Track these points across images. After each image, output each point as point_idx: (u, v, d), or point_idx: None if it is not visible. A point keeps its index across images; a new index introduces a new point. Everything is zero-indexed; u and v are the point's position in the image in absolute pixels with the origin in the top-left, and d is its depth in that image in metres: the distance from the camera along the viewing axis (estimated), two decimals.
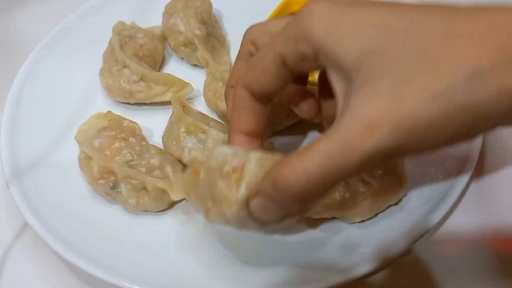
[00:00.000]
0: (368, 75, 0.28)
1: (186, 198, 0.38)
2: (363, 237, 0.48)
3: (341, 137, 0.28)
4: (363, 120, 0.27)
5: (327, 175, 0.28)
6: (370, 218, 0.49)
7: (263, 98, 0.37)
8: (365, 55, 0.28)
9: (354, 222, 0.49)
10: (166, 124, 0.57)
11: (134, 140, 0.53)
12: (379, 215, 0.49)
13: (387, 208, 0.50)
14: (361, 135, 0.27)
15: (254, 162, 0.33)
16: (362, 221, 0.49)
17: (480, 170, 0.54)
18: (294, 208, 0.32)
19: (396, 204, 0.50)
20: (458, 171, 0.50)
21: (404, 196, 0.50)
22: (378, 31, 0.28)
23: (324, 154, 0.28)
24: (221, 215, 0.34)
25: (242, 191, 0.33)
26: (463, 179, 0.50)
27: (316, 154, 0.28)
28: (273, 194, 0.31)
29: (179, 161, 0.53)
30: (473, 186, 0.53)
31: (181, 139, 0.53)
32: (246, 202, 0.33)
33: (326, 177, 0.28)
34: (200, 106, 0.61)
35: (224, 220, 0.35)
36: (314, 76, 0.44)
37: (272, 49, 0.35)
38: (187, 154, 0.52)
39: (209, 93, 0.59)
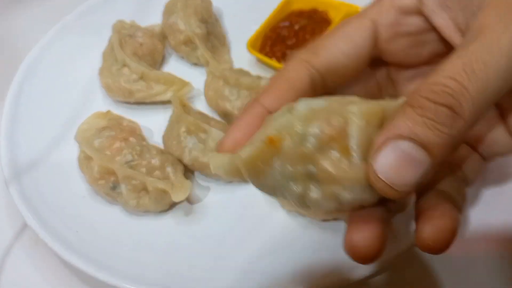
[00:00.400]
0: None
1: (250, 180, 0.27)
2: None
3: (485, 37, 0.25)
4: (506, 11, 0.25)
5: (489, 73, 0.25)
6: None
7: (322, 80, 0.31)
8: None
9: None
10: (166, 123, 0.57)
11: (134, 140, 0.53)
12: None
13: None
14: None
15: (359, 118, 0.25)
16: None
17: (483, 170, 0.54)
18: (459, 137, 0.25)
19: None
20: None
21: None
22: None
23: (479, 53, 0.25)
24: (331, 200, 0.26)
25: (356, 161, 0.25)
26: None
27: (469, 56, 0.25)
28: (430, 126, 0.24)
29: (180, 161, 0.53)
30: (476, 186, 0.52)
31: (182, 139, 0.53)
32: (365, 176, 0.25)
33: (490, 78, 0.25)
34: (201, 105, 0.61)
35: (333, 205, 0.26)
36: None
37: (359, 16, 0.31)
38: (187, 154, 0.52)
39: (210, 92, 0.58)
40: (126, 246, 0.49)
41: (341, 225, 0.49)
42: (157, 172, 0.51)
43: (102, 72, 0.61)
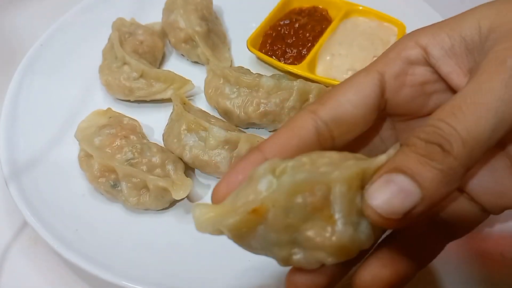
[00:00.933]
0: (499, 36, 0.28)
1: (235, 242, 0.28)
2: None
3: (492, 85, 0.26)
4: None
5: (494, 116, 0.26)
6: None
7: (328, 131, 0.31)
8: (490, 28, 0.29)
9: None
10: (167, 121, 0.56)
11: (134, 138, 0.53)
12: None
13: None
14: None
15: (341, 184, 0.26)
16: None
17: None
18: (460, 176, 0.26)
19: None
20: None
21: None
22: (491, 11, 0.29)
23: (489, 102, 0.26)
24: (315, 262, 0.28)
25: (340, 228, 0.26)
26: None
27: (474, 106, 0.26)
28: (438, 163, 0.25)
29: (180, 159, 0.53)
30: None
31: (182, 137, 0.53)
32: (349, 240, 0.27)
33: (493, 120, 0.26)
34: (201, 103, 0.61)
35: (316, 266, 0.28)
36: None
37: (366, 69, 0.32)
38: (188, 152, 0.52)
39: (210, 90, 0.58)
40: (126, 244, 0.49)
41: None
42: (157, 170, 0.51)
43: (102, 69, 0.61)
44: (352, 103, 0.31)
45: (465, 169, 0.26)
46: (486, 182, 0.32)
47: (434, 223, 0.32)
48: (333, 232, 0.26)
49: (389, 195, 0.25)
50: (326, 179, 0.26)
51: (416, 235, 0.31)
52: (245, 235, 0.27)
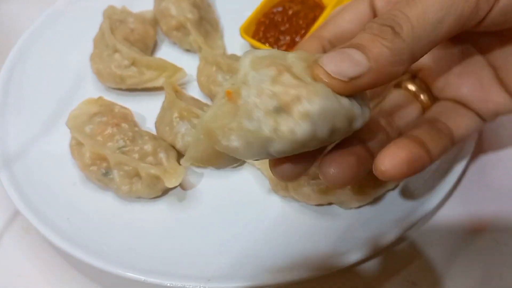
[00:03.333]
0: None
1: (223, 145, 0.28)
2: (359, 224, 0.48)
3: None
4: None
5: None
6: (367, 204, 0.49)
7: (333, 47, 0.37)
8: None
9: (351, 208, 0.48)
10: (159, 109, 0.56)
11: (126, 125, 0.52)
12: (375, 200, 0.49)
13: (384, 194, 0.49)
14: None
15: (299, 60, 0.30)
16: (359, 206, 0.48)
17: (477, 156, 0.54)
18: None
19: (393, 189, 0.49)
20: (455, 157, 0.50)
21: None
22: None
23: None
24: (303, 121, 0.28)
25: (309, 80, 0.29)
26: (460, 165, 0.50)
27: None
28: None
29: (173, 147, 0.53)
30: (470, 172, 0.53)
31: (174, 125, 0.52)
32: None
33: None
34: (193, 91, 0.60)
35: (307, 128, 0.28)
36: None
37: None
38: (180, 139, 0.52)
39: (203, 78, 0.58)
40: (119, 232, 0.49)
41: (335, 210, 0.49)
42: (149, 158, 0.50)
43: (93, 58, 0.60)
44: (348, 21, 0.38)
45: (411, 54, 0.29)
46: (475, 90, 0.39)
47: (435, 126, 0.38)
48: (304, 82, 0.28)
49: (339, 60, 0.29)
50: (284, 56, 0.30)
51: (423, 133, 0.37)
52: (229, 128, 0.28)
